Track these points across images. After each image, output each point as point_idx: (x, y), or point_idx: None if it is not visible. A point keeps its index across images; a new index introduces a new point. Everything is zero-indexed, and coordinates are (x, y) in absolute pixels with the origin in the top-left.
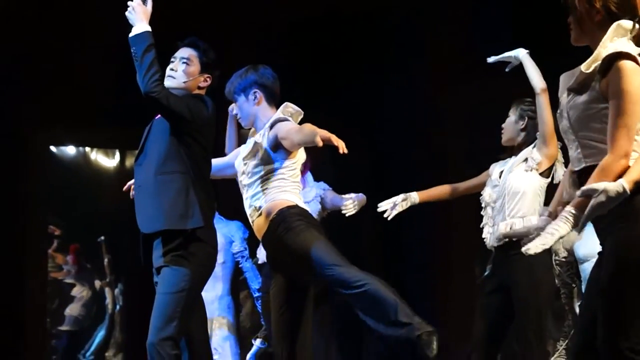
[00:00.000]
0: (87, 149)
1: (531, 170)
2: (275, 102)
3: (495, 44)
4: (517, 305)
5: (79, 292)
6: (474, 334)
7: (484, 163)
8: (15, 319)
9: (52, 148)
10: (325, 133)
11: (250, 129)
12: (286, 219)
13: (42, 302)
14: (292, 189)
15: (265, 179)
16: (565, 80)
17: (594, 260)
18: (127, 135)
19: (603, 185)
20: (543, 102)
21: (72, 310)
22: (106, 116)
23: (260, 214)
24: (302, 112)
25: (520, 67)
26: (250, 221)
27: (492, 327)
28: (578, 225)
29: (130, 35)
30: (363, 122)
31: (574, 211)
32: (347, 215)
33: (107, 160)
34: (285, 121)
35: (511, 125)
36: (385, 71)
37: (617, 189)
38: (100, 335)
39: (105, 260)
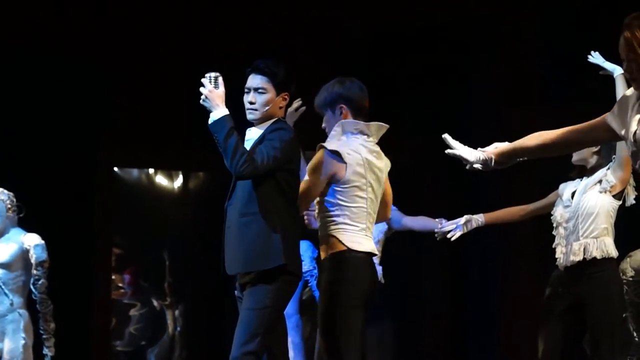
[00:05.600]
0: (151, 170)
1: (605, 192)
2: (362, 115)
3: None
4: (591, 321)
5: (137, 312)
6: (544, 353)
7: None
8: (81, 339)
9: (117, 169)
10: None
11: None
12: (330, 270)
13: (107, 322)
14: (349, 219)
15: (323, 207)
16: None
17: None
18: (191, 157)
19: None
20: None
21: (130, 330)
22: (170, 138)
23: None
24: (386, 126)
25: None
26: None
27: (564, 346)
28: None
29: (210, 122)
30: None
31: None
32: (452, 239)
33: (170, 182)
34: (320, 150)
35: None
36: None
37: None
38: (157, 355)
39: (166, 282)
